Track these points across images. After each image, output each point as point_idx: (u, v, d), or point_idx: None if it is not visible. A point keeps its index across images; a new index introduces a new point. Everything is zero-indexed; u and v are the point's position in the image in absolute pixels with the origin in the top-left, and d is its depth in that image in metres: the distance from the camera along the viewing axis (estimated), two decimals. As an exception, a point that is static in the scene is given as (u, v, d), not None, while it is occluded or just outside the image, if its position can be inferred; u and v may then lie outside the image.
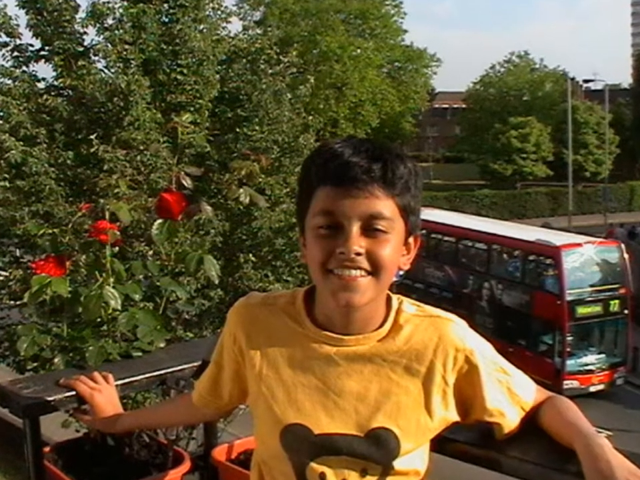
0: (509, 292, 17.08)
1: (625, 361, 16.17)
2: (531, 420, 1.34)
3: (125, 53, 9.92)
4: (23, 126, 9.42)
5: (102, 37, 10.21)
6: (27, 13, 10.02)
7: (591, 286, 15.76)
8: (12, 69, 10.15)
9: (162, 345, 2.13)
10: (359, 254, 1.20)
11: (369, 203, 1.20)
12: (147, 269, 2.34)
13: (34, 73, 10.43)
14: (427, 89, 47.77)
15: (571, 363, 15.44)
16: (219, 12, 11.40)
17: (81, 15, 10.22)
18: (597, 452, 1.18)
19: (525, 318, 16.32)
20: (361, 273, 1.21)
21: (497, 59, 66.34)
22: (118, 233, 2.23)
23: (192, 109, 10.14)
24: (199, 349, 2.06)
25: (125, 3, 10.44)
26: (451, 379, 1.28)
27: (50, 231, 2.36)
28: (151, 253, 7.24)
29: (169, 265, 2.39)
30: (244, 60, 11.08)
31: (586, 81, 40.69)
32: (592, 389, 15.42)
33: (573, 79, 39.60)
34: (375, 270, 1.21)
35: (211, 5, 11.16)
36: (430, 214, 17.78)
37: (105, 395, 1.73)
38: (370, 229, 1.21)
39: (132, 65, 9.91)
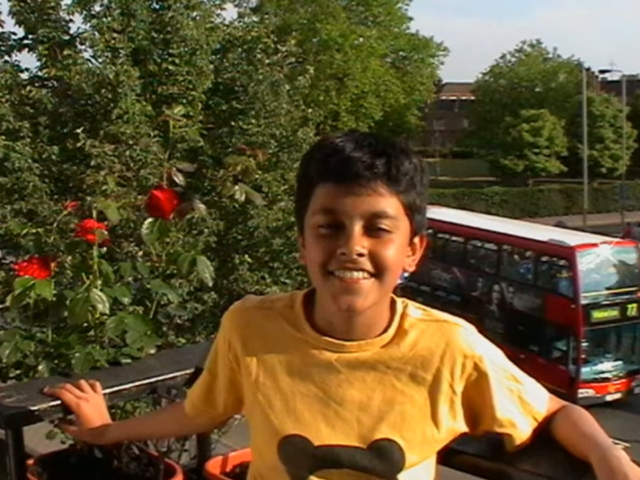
0: (520, 295, 17.07)
1: (643, 368, 16.17)
2: (544, 431, 1.33)
3: (113, 41, 9.93)
4: (5, 119, 9.43)
5: (89, 24, 10.24)
6: (9, 0, 10.02)
7: (607, 289, 15.75)
8: (-7, 58, 10.17)
9: (152, 351, 2.13)
10: (361, 255, 1.19)
11: (371, 201, 1.20)
12: (136, 270, 2.34)
13: (17, 62, 10.45)
14: (434, 79, 47.74)
15: (586, 371, 15.42)
16: (213, -2, 11.41)
17: (67, 1, 10.25)
18: (613, 464, 1.18)
19: (537, 323, 16.31)
20: (363, 275, 1.20)
21: (508, 48, 66.57)
22: (106, 232, 2.23)
23: (184, 101, 10.15)
24: (191, 356, 2.07)
25: (114, -11, 10.45)
26: (459, 388, 1.28)
27: (34, 231, 2.36)
28: (140, 253, 7.24)
29: (159, 266, 2.39)
30: (239, 49, 11.10)
31: (602, 72, 40.90)
32: (608, 397, 15.39)
33: (588, 69, 39.81)
34: (379, 272, 1.21)
35: (205, -10, 11.17)
36: (436, 212, 17.79)
37: (92, 405, 1.73)
38: (373, 228, 1.20)
39: (121, 55, 9.93)
